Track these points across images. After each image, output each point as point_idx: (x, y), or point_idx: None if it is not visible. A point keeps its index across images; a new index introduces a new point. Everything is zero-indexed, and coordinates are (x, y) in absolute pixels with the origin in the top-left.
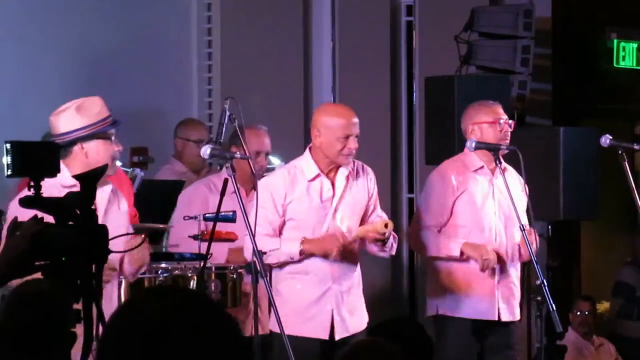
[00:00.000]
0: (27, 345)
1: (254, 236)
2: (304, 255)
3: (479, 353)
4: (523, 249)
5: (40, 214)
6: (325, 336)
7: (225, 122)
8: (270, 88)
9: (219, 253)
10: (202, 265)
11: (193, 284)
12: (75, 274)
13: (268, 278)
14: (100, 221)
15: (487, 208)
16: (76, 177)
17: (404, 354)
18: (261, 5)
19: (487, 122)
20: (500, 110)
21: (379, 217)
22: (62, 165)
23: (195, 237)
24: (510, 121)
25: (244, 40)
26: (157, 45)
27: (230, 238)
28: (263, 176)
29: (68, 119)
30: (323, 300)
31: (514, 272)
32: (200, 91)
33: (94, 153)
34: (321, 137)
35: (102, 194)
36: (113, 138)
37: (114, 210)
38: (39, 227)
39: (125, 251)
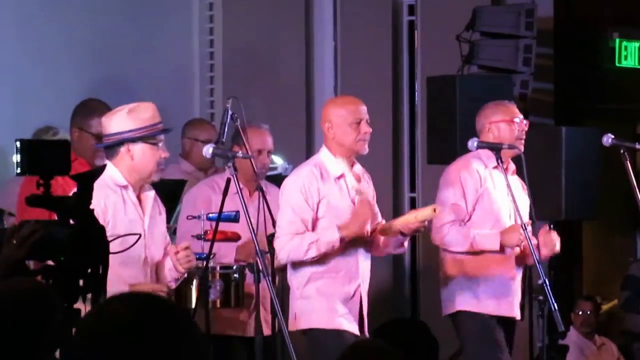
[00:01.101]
0: (8, 347)
1: (256, 236)
2: (345, 240)
3: None
4: (543, 249)
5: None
6: (356, 331)
7: (228, 121)
8: (272, 87)
9: (226, 253)
10: (205, 265)
11: (196, 283)
12: (74, 274)
13: (271, 278)
14: (146, 225)
15: (505, 205)
16: (73, 177)
17: (404, 356)
18: (263, 4)
19: (505, 121)
20: (516, 110)
21: (380, 219)
22: (112, 165)
23: (198, 237)
24: (525, 121)
25: (245, 39)
26: (159, 44)
27: (234, 238)
28: (266, 175)
29: (118, 120)
30: (354, 299)
31: (520, 271)
32: (202, 91)
33: (140, 156)
34: (333, 127)
35: (147, 198)
36: (161, 144)
37: (157, 214)
38: (37, 236)
39: (121, 251)
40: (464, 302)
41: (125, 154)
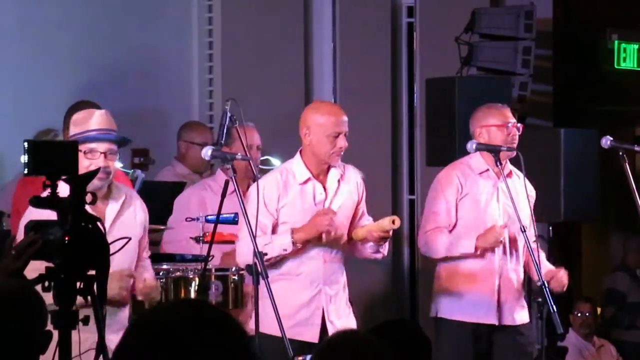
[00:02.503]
0: None
1: (254, 238)
2: (297, 244)
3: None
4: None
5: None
6: (315, 339)
7: (226, 123)
8: (271, 90)
9: (218, 256)
10: (203, 267)
11: (194, 285)
12: (71, 276)
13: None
14: (107, 229)
15: (490, 211)
16: (66, 180)
17: (389, 350)
18: (262, 6)
19: (495, 125)
20: (509, 114)
21: (369, 221)
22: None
23: (197, 240)
24: (518, 124)
25: (245, 41)
26: (158, 46)
27: (232, 240)
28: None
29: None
30: (314, 303)
31: (515, 276)
32: (201, 92)
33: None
34: (311, 135)
35: (114, 205)
36: (97, 154)
37: (125, 220)
38: (36, 248)
39: (115, 252)
40: (442, 307)
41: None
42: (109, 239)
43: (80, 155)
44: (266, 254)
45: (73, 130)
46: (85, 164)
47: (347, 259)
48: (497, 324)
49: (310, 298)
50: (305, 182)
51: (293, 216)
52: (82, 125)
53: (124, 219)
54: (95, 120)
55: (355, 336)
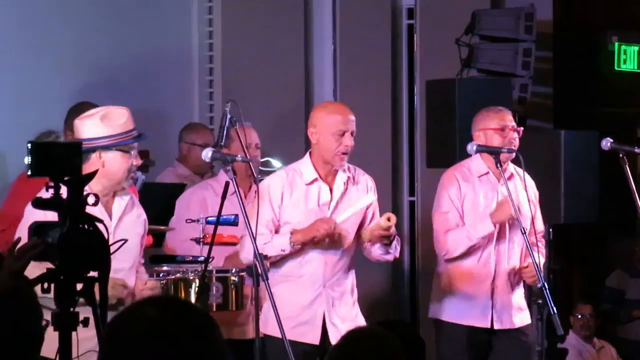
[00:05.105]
0: None
1: (255, 239)
2: (295, 246)
3: None
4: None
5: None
6: (316, 341)
7: (227, 125)
8: (271, 91)
9: (218, 258)
10: (203, 268)
11: (195, 287)
12: (70, 278)
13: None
14: (112, 228)
15: (489, 214)
16: (64, 182)
17: (404, 347)
18: (262, 8)
19: (493, 129)
20: (508, 117)
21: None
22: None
23: (197, 241)
24: (518, 128)
25: (245, 43)
26: (158, 47)
27: (232, 242)
28: (263, 178)
29: (91, 126)
30: (315, 305)
31: (513, 279)
32: (201, 94)
33: (111, 163)
34: (317, 133)
35: (121, 202)
36: (133, 152)
37: (131, 218)
38: (36, 251)
39: (114, 252)
40: (438, 309)
41: (96, 161)
42: (116, 236)
43: (124, 156)
44: (266, 255)
45: (113, 130)
46: (125, 165)
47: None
48: (489, 327)
49: (312, 300)
50: (312, 182)
51: (296, 216)
52: (123, 125)
53: (129, 217)
54: (130, 119)
55: (371, 333)
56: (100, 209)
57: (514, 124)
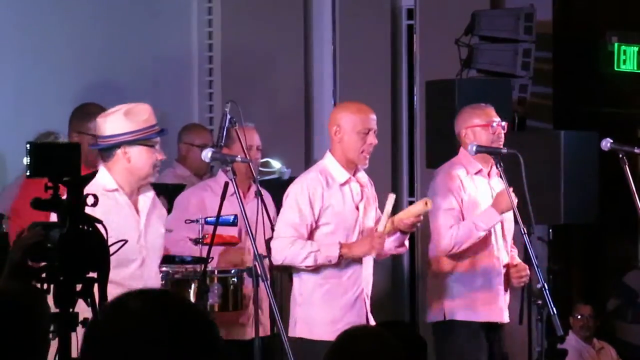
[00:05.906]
0: None
1: (254, 239)
2: (343, 258)
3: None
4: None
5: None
6: None
7: (226, 125)
8: (271, 92)
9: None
10: (203, 268)
11: (194, 287)
12: (70, 278)
13: (270, 282)
14: (142, 225)
15: None
16: (64, 182)
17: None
18: (262, 9)
19: (480, 126)
20: (493, 113)
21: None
22: (104, 169)
23: (196, 241)
24: (503, 123)
25: (244, 43)
26: (158, 48)
27: (232, 242)
28: (262, 179)
29: (115, 122)
30: (357, 305)
31: (504, 276)
32: (201, 95)
33: (136, 158)
34: (341, 132)
35: (145, 199)
36: (157, 146)
37: (156, 215)
38: (34, 240)
39: (114, 253)
40: (452, 309)
41: (121, 157)
42: (147, 231)
43: (149, 150)
44: (310, 265)
45: (136, 125)
46: (150, 159)
47: None
48: (504, 321)
49: (354, 300)
50: (345, 182)
51: (336, 217)
52: (147, 120)
53: (155, 214)
54: (152, 114)
55: (369, 331)
56: (129, 205)
57: (499, 119)
